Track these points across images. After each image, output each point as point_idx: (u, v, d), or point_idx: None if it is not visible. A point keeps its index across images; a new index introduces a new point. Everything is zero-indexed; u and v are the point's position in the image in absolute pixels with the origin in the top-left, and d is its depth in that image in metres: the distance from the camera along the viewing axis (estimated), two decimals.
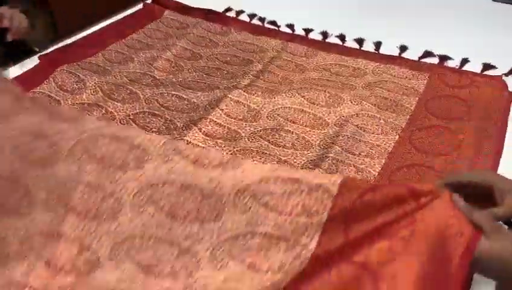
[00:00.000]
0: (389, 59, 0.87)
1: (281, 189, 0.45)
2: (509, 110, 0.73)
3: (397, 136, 0.68)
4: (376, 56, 0.88)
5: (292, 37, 0.96)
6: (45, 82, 0.78)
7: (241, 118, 0.71)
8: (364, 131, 0.68)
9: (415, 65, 0.85)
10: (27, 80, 0.78)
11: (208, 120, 0.71)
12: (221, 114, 0.72)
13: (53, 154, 0.50)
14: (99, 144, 0.50)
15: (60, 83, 0.78)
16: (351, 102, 0.74)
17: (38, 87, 0.77)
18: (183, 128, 0.69)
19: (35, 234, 0.48)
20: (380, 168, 0.62)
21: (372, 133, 0.68)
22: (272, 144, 0.66)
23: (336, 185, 0.44)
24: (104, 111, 0.72)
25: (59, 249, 0.47)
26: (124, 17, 1.04)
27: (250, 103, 0.74)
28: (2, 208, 0.50)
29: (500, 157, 0.64)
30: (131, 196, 0.47)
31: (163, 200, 0.45)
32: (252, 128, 0.69)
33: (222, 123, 0.70)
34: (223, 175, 0.46)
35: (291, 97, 0.75)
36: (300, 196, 0.44)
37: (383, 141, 0.67)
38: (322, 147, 0.65)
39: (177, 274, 0.45)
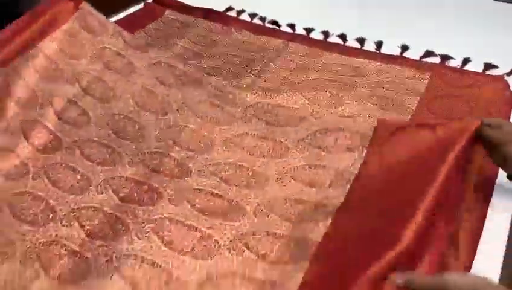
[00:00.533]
0: (390, 59, 0.87)
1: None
2: (510, 110, 0.73)
3: None
4: (377, 56, 0.88)
5: (293, 37, 0.95)
6: None
7: None
8: None
9: (417, 65, 0.84)
10: None
11: None
12: None
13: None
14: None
15: None
16: (352, 102, 0.74)
17: None
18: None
19: (146, 153, 0.65)
20: None
21: None
22: None
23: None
24: None
25: (163, 162, 0.63)
26: (125, 17, 1.04)
27: None
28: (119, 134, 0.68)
29: None
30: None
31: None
32: None
33: None
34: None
35: (292, 97, 0.74)
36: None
37: None
38: None
39: (251, 186, 0.60)
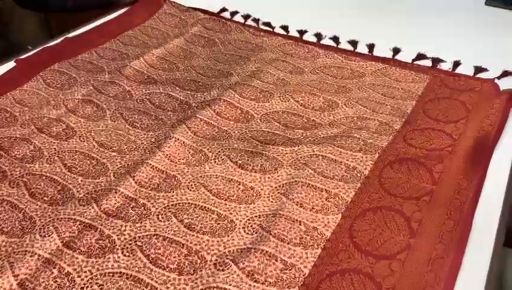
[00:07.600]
0: (385, 61, 0.87)
1: None
2: (508, 111, 0.73)
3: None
4: (372, 58, 0.88)
5: (286, 39, 0.96)
6: (33, 80, 0.80)
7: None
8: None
9: (414, 68, 0.85)
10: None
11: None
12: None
13: None
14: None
15: (48, 81, 0.80)
16: (346, 106, 0.75)
17: (25, 85, 0.78)
18: (172, 126, 0.71)
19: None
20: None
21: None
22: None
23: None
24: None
25: (176, 150, 0.66)
26: (118, 15, 1.04)
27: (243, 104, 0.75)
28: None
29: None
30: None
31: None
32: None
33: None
34: None
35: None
36: None
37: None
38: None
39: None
